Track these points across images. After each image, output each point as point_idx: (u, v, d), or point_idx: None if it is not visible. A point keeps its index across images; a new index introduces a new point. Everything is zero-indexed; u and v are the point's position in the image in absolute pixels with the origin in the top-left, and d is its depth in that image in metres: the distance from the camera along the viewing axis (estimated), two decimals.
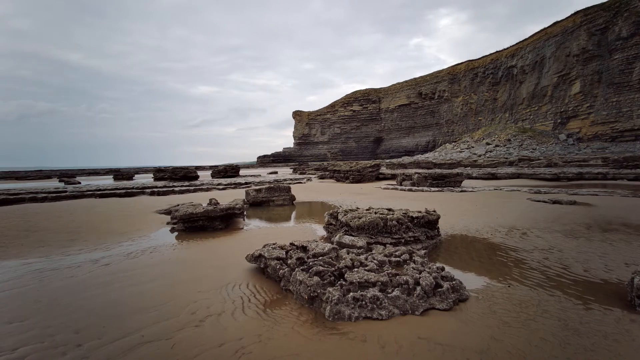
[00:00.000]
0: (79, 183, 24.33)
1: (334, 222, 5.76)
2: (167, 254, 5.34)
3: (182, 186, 16.24)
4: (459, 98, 78.64)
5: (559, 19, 57.88)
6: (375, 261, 3.82)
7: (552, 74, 57.15)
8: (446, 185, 14.37)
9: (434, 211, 5.61)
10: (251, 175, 28.30)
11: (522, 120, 62.98)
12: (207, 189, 15.99)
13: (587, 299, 3.34)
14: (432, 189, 13.86)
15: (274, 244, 4.59)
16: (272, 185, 11.43)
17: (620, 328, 2.74)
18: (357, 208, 6.20)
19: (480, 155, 52.25)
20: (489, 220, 7.44)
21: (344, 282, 3.23)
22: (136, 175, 37.78)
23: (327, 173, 23.66)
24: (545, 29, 60.39)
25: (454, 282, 3.36)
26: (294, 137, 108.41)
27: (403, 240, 4.70)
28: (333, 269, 3.51)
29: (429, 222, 5.22)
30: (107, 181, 27.61)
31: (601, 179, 15.66)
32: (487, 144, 60.37)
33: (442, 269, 3.76)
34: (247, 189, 11.85)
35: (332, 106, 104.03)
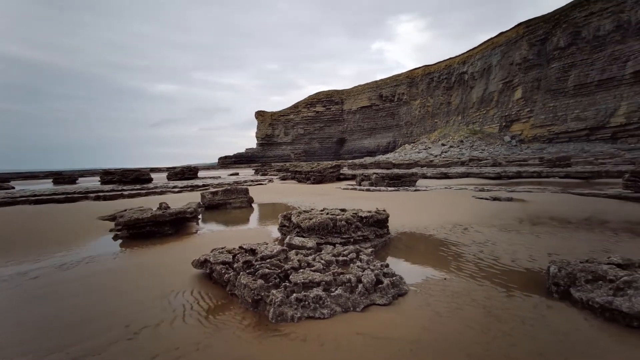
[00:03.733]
0: (13, 188, 21.87)
1: (287, 224, 5.77)
2: (107, 264, 5.00)
3: (132, 190, 15.27)
4: (417, 101, 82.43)
5: (504, 30, 62.98)
6: (322, 261, 3.89)
7: (497, 81, 62.00)
8: (402, 184, 15.01)
9: (384, 210, 5.84)
10: (211, 177, 27.38)
11: (473, 122, 67.55)
12: (161, 192, 15.20)
13: (511, 287, 3.68)
14: (389, 188, 14.40)
15: (222, 248, 4.49)
16: (229, 188, 11.16)
17: (537, 313, 3.05)
18: (312, 209, 6.28)
19: (436, 156, 55.19)
20: (436, 217, 7.89)
21: (288, 284, 3.26)
22: (81, 179, 34.84)
23: (289, 174, 23.59)
24: (492, 38, 65.35)
25: (394, 278, 3.53)
26: (257, 137, 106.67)
27: (352, 240, 4.84)
28: (279, 270, 3.52)
29: (378, 221, 5.43)
30: (47, 185, 25.13)
31: (536, 177, 17.31)
32: (443, 144, 63.93)
33: (386, 266, 3.94)
34: (203, 191, 11.45)
35: (296, 107, 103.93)
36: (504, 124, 60.05)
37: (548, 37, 52.50)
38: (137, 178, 19.76)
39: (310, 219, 4.92)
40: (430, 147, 65.26)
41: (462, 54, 73.51)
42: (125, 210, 8.25)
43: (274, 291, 3.12)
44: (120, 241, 6.41)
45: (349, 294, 3.26)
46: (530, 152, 47.66)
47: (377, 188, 14.64)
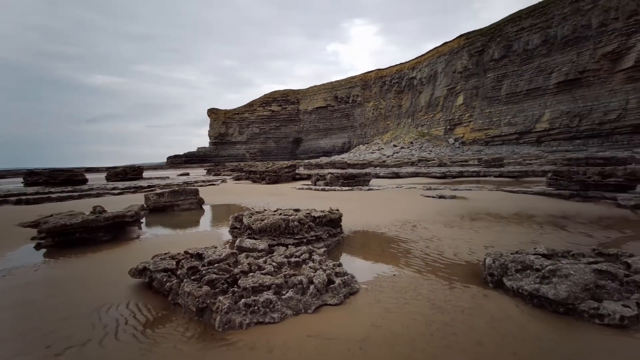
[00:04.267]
0: None
1: (238, 226, 5.54)
2: (26, 277, 4.37)
3: (62, 192, 13.65)
4: (370, 103, 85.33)
5: (448, 40, 67.84)
6: (274, 263, 3.78)
7: (442, 87, 66.60)
8: (356, 184, 15.37)
9: (337, 210, 5.88)
10: (157, 178, 25.58)
11: (422, 125, 71.77)
12: (98, 195, 13.81)
13: (453, 279, 3.91)
14: (344, 188, 14.66)
15: (164, 254, 4.16)
16: (177, 189, 10.48)
17: (474, 303, 3.26)
18: (265, 210, 6.11)
19: (388, 156, 57.66)
20: (388, 215, 8.18)
21: (236, 289, 3.10)
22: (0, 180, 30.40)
23: (243, 174, 22.93)
24: (437, 47, 70.02)
25: (345, 277, 3.55)
26: (210, 136, 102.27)
27: (305, 240, 4.79)
28: (227, 275, 3.34)
29: (331, 221, 5.45)
30: None
31: (476, 176, 18.89)
32: (394, 146, 66.98)
33: (338, 265, 3.95)
34: (148, 193, 10.60)
35: (251, 105, 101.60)
36: (448, 127, 64.66)
37: (485, 49, 57.62)
38: (69, 179, 17.73)
39: (262, 220, 4.77)
40: (383, 148, 67.96)
41: (411, 60, 77.67)
42: (52, 215, 7.32)
43: (221, 297, 2.95)
44: (44, 251, 5.64)
45: (300, 295, 3.20)
46: (470, 153, 51.89)
47: (332, 188, 14.82)
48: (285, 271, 3.60)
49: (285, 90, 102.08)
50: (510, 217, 7.52)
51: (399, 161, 38.61)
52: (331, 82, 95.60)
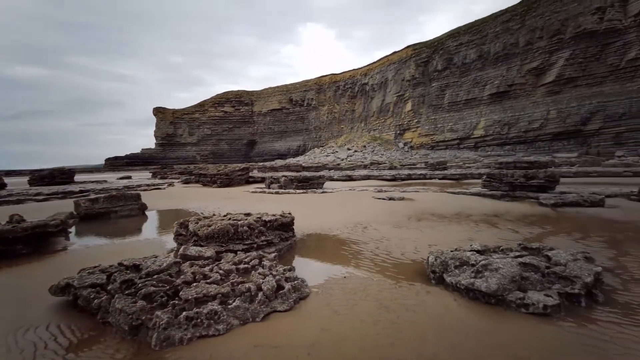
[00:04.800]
0: None
1: (184, 233, 5.21)
2: None
3: None
4: (325, 107, 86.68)
5: (397, 50, 71.64)
6: (221, 271, 3.60)
7: (392, 94, 70.08)
8: (310, 187, 15.43)
9: (289, 213, 5.82)
10: (93, 182, 23.22)
11: (374, 130, 74.69)
12: (18, 201, 12.10)
13: (399, 278, 4.07)
14: (298, 190, 14.62)
15: (94, 267, 3.74)
16: (115, 193, 9.57)
17: (418, 300, 3.41)
18: (214, 214, 5.83)
19: (343, 159, 58.99)
20: (340, 217, 8.30)
21: (177, 301, 2.88)
22: None
23: (193, 177, 21.77)
24: (387, 56, 73.60)
25: (295, 282, 3.50)
26: (156, 136, 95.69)
27: (255, 245, 4.66)
28: (167, 287, 3.10)
29: (283, 225, 5.37)
30: None
31: (422, 179, 20.12)
32: (348, 149, 68.72)
33: (289, 270, 3.89)
34: (79, 198, 9.52)
35: (202, 105, 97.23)
36: (398, 132, 68.11)
37: (430, 60, 61.90)
38: None
39: (209, 226, 4.54)
40: (337, 151, 69.33)
41: (363, 67, 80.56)
42: None
43: (158, 312, 2.71)
44: None
45: (248, 304, 3.07)
46: (418, 157, 55.15)
47: (286, 190, 14.71)
48: (233, 279, 3.45)
49: (238, 91, 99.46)
50: (452, 216, 8.09)
51: (352, 164, 39.67)
52: (286, 85, 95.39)
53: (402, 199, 11.09)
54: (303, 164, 42.11)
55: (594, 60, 42.63)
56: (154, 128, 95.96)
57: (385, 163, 37.54)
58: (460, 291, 3.51)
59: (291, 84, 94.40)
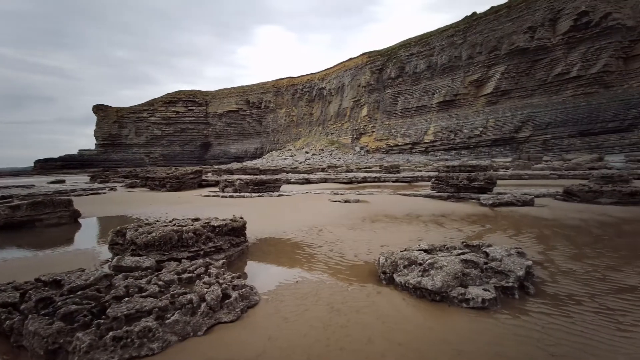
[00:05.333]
0: None
1: (121, 241, 4.73)
2: None
3: None
4: (282, 110, 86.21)
5: (353, 56, 73.72)
6: (160, 282, 3.30)
7: (349, 99, 71.90)
8: (266, 190, 15.12)
9: (241, 217, 5.58)
10: (18, 186, 20.49)
11: (331, 133, 75.88)
12: None
13: (352, 280, 4.07)
14: (253, 194, 14.24)
15: (7, 284, 3.22)
16: (41, 199, 8.47)
17: (369, 301, 3.42)
18: (157, 221, 5.38)
19: (301, 162, 59.00)
20: (296, 221, 8.19)
21: (103, 320, 2.56)
22: None
23: (139, 181, 20.20)
24: (344, 62, 75.43)
25: (243, 290, 3.31)
26: (97, 137, 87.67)
27: (202, 252, 4.37)
28: (93, 304, 2.74)
29: (234, 230, 5.12)
30: None
31: (377, 181, 20.80)
32: (306, 152, 68.97)
33: (237, 277, 3.69)
34: None
35: (151, 104, 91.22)
36: (355, 136, 69.94)
37: (384, 68, 64.62)
38: None
39: (150, 233, 4.16)
40: (295, 155, 69.24)
41: (321, 71, 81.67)
42: None
43: (79, 334, 2.38)
44: None
45: (189, 317, 2.83)
46: (374, 160, 57.09)
47: (241, 194, 14.24)
48: (174, 290, 3.17)
49: (192, 90, 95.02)
50: (403, 217, 8.39)
51: (310, 167, 39.82)
52: (243, 87, 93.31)
53: (357, 201, 11.29)
54: (260, 167, 41.33)
55: (525, 75, 47.70)
56: (94, 127, 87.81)
57: (342, 166, 38.24)
58: (409, 290, 3.59)
59: (248, 86, 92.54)
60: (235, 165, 56.34)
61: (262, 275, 4.37)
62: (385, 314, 3.09)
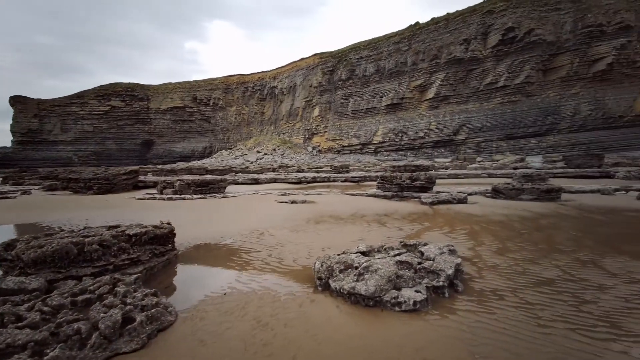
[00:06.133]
0: None
1: (9, 257, 3.90)
2: None
3: None
4: (232, 108, 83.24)
5: (305, 56, 73.78)
6: (46, 308, 2.70)
7: (301, 99, 71.84)
8: (210, 191, 14.25)
9: (168, 223, 5.01)
10: None
11: (283, 133, 75.14)
12: None
13: (286, 288, 3.80)
14: (195, 196, 13.31)
15: None
16: None
17: (300, 312, 3.18)
18: (62, 230, 4.57)
19: (252, 162, 57.46)
20: (237, 224, 7.71)
21: None
22: None
23: (60, 182, 17.76)
24: (296, 61, 75.15)
25: (154, 310, 2.86)
26: (14, 133, 76.31)
27: (112, 267, 3.76)
28: None
29: (157, 238, 4.55)
30: None
31: (326, 181, 20.90)
32: (258, 152, 67.41)
33: (152, 294, 3.20)
34: None
35: (81, 97, 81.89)
36: (307, 136, 70.08)
37: (335, 70, 65.70)
38: None
39: (41, 247, 3.45)
40: (246, 154, 67.31)
41: (272, 70, 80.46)
42: None
43: None
44: None
45: (75, 351, 2.32)
46: (326, 160, 57.72)
47: (182, 196, 13.21)
48: (62, 317, 2.61)
49: (130, 83, 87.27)
50: (348, 217, 8.37)
51: (261, 167, 38.89)
52: (189, 82, 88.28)
53: (304, 201, 11.10)
54: (208, 167, 39.31)
55: (461, 83, 51.90)
56: (10, 122, 76.24)
57: (294, 166, 37.96)
58: (344, 296, 3.43)
59: (195, 81, 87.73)
60: (180, 165, 52.99)
61: (187, 288, 3.90)
62: (315, 325, 2.87)
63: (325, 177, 21.55)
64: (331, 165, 31.63)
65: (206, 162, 63.04)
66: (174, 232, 5.08)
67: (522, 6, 48.08)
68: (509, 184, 11.08)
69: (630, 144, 41.79)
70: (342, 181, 21.08)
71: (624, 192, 11.78)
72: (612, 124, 43.24)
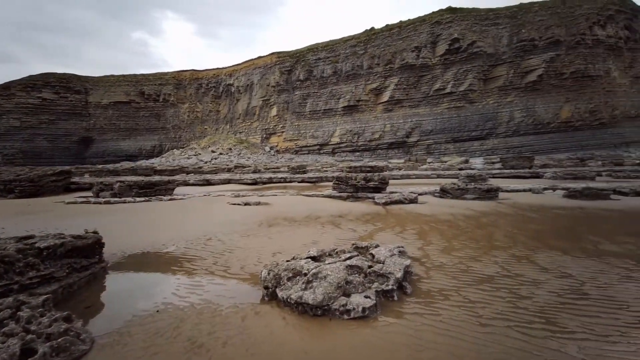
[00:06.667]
0: None
1: None
2: None
3: None
4: (185, 105, 78.98)
5: (262, 55, 72.47)
6: None
7: (258, 98, 70.43)
8: (156, 193, 13.19)
9: (94, 232, 4.41)
10: None
11: (240, 132, 73.02)
12: None
13: (230, 299, 3.50)
14: (138, 199, 12.21)
15: None
16: None
17: (242, 326, 2.91)
18: None
19: (206, 162, 54.92)
20: (182, 229, 7.15)
21: None
22: None
23: None
24: (253, 59, 73.52)
25: (61, 340, 2.41)
26: None
27: (17, 287, 3.17)
28: None
29: (78, 250, 3.96)
30: None
31: (283, 182, 20.58)
32: (213, 151, 64.72)
33: (65, 318, 2.72)
34: None
35: (7, 88, 72.06)
36: (264, 135, 68.86)
37: (293, 70, 65.40)
38: None
39: None
40: (200, 154, 64.31)
41: (228, 67, 77.89)
42: None
43: None
44: None
45: None
46: (284, 160, 57.13)
47: (122, 199, 12.04)
48: None
49: (65, 74, 78.76)
50: (302, 219, 8.20)
51: (216, 167, 37.26)
52: (136, 75, 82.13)
53: (258, 203, 10.72)
54: (157, 167, 36.80)
55: (413, 88, 54.63)
56: None
57: (250, 166, 36.95)
58: (292, 306, 3.24)
59: (143, 75, 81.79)
60: (125, 165, 48.88)
61: (113, 307, 3.43)
62: (257, 343, 2.64)
63: (282, 178, 21.20)
64: (289, 166, 31.30)
65: (155, 162, 58.96)
66: (102, 241, 4.50)
67: (466, 19, 51.99)
68: (455, 184, 11.73)
69: (557, 148, 47.24)
70: (299, 182, 20.90)
71: (551, 190, 13.12)
72: (541, 130, 48.51)
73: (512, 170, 23.24)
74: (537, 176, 21.28)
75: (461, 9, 54.47)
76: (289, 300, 3.24)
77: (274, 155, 63.63)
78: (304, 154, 61.71)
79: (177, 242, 6.08)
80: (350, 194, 11.92)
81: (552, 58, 48.21)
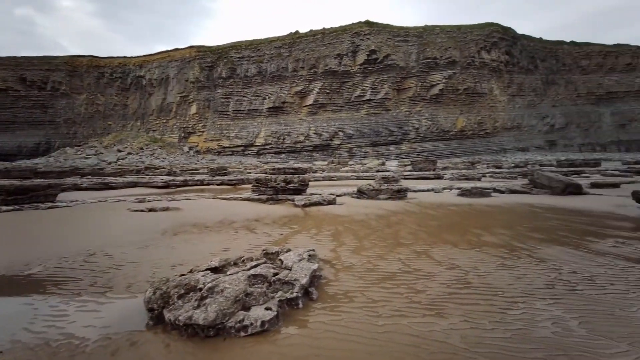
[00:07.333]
0: None
1: None
2: None
3: None
4: (82, 95, 67.92)
5: (179, 47, 66.84)
6: None
7: (175, 93, 64.75)
8: (31, 201, 10.79)
9: None
10: None
11: (153, 130, 65.98)
12: None
13: (102, 329, 2.89)
14: (4, 208, 9.81)
15: None
16: None
17: None
18: None
19: (110, 163, 48.10)
20: (60, 245, 5.89)
21: None
22: None
23: None
24: (168, 51, 67.31)
25: None
26: None
27: None
28: None
29: None
30: None
31: (200, 185, 19.12)
32: (119, 151, 57.14)
33: None
34: None
35: None
36: (182, 135, 63.61)
37: (214, 66, 62.01)
38: None
39: None
40: (102, 153, 56.20)
41: (138, 57, 69.90)
42: None
43: None
44: None
45: None
46: (205, 162, 53.58)
47: None
48: None
49: None
50: (214, 225, 7.59)
51: (122, 169, 32.79)
52: (16, 58, 67.58)
53: (166, 209, 9.63)
54: (42, 169, 30.63)
55: (335, 93, 57.03)
56: None
57: (164, 168, 33.56)
58: (180, 329, 2.81)
59: (25, 58, 67.64)
60: None
61: None
62: None
63: (199, 180, 19.67)
64: (208, 167, 29.37)
65: (40, 162, 49.16)
66: None
67: (382, 34, 56.55)
68: (370, 185, 12.42)
69: (455, 152, 54.66)
70: (218, 184, 19.68)
71: (449, 190, 14.94)
72: (443, 137, 55.61)
73: (420, 172, 25.95)
74: (439, 177, 24.14)
75: (377, 24, 59.05)
76: (176, 322, 2.81)
77: (193, 156, 59.18)
78: (227, 155, 58.95)
79: (46, 261, 4.95)
80: (270, 197, 11.62)
81: (450, 75, 55.80)
